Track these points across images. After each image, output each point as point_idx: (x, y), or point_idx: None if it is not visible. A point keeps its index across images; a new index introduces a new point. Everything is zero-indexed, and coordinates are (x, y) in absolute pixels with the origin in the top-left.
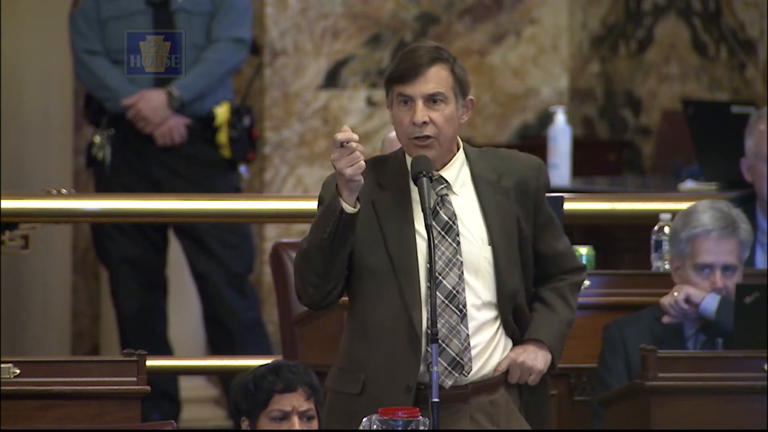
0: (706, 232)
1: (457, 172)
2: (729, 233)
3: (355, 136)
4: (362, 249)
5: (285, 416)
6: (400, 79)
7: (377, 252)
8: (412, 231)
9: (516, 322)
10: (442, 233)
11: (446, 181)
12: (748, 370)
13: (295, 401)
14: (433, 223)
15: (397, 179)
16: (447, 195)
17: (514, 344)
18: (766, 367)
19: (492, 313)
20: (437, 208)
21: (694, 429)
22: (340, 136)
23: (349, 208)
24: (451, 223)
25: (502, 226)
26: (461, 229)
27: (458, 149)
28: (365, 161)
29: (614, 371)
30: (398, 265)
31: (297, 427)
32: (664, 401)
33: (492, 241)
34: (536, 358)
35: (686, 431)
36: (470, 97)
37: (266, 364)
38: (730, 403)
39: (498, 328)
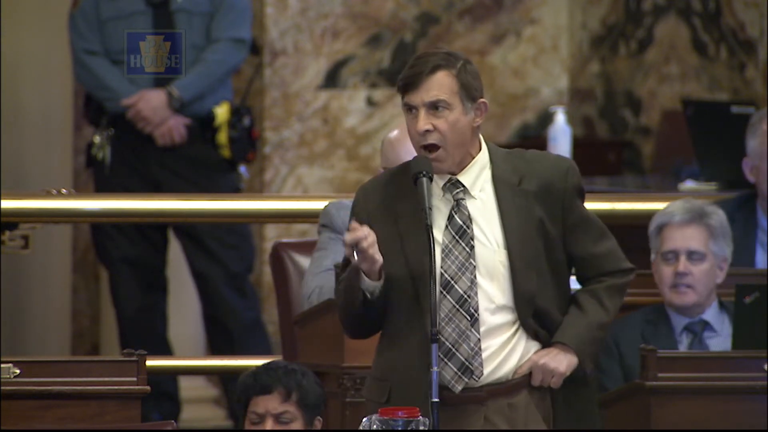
0: (671, 217)
1: (476, 176)
2: (694, 220)
3: (362, 234)
4: (384, 259)
5: (260, 419)
6: (405, 88)
7: (397, 261)
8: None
9: (542, 325)
10: (456, 237)
11: (463, 186)
12: (748, 370)
13: (270, 404)
14: (448, 227)
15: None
16: (463, 199)
17: (544, 348)
18: (766, 367)
19: (508, 317)
20: (452, 212)
21: (694, 429)
22: (348, 239)
23: (371, 287)
24: (465, 227)
25: (520, 230)
26: (476, 232)
27: (479, 152)
28: (395, 167)
29: (610, 374)
30: (415, 273)
31: (268, 428)
32: (664, 401)
33: (507, 245)
34: (559, 360)
35: (686, 431)
36: (482, 100)
37: (261, 365)
38: (730, 403)
39: (515, 331)
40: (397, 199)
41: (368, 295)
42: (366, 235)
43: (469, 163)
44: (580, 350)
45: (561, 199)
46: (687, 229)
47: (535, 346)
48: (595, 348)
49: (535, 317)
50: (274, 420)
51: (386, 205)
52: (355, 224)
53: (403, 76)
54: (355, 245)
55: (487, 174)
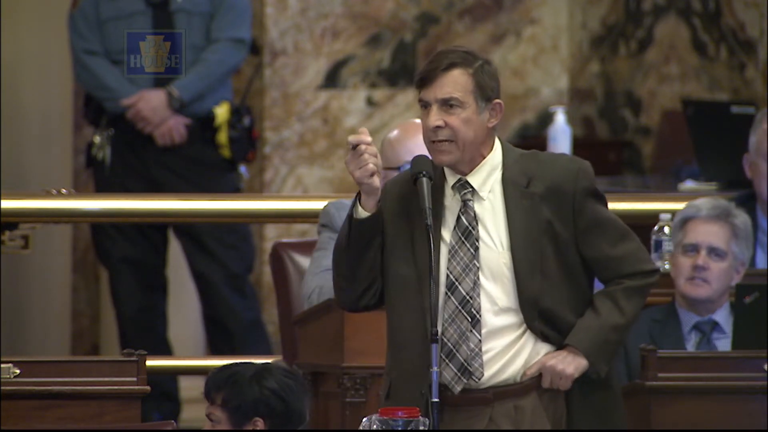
0: (697, 211)
1: (486, 177)
2: (720, 217)
3: (367, 138)
4: (393, 255)
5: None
6: (420, 83)
7: (405, 258)
8: (437, 237)
9: (552, 327)
10: (462, 238)
11: (471, 186)
12: (748, 370)
13: (206, 406)
14: (456, 227)
15: (433, 187)
16: (470, 200)
17: (557, 350)
18: (766, 367)
19: (513, 319)
20: (460, 213)
21: (694, 429)
22: (352, 138)
23: (362, 213)
24: (470, 228)
25: (525, 232)
26: (482, 234)
27: (490, 152)
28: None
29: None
30: (420, 271)
31: (205, 428)
32: (664, 401)
33: (512, 247)
34: (567, 363)
35: (686, 431)
36: (497, 101)
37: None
38: (730, 403)
39: (522, 333)
40: (412, 198)
41: (353, 227)
42: (370, 142)
43: (479, 164)
44: (590, 353)
45: (571, 201)
46: (712, 225)
47: (545, 348)
48: (608, 350)
49: (543, 319)
50: (209, 421)
51: (402, 203)
52: (363, 129)
53: (419, 71)
54: (356, 146)
55: (498, 175)
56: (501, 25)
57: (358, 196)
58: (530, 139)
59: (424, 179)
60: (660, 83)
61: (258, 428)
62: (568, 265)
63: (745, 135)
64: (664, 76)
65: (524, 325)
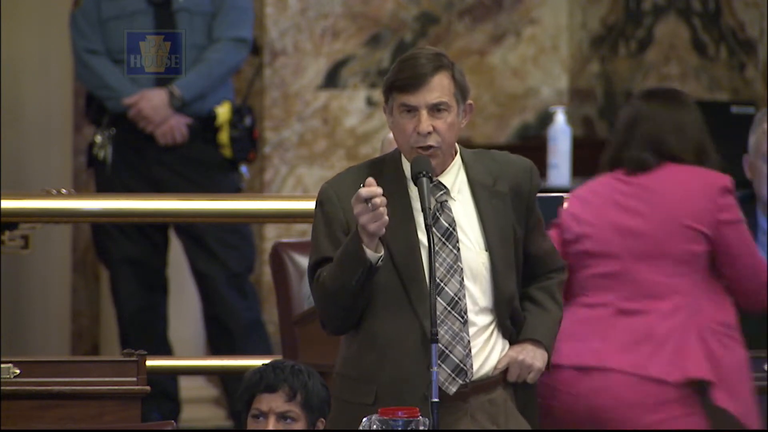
0: None
1: (455, 177)
2: None
3: (379, 190)
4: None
5: (262, 416)
6: (403, 89)
7: (384, 262)
8: (416, 240)
9: (513, 323)
10: (443, 240)
11: (445, 187)
12: None
13: (273, 402)
14: (434, 228)
15: (395, 183)
16: (446, 201)
17: (511, 345)
18: (766, 367)
19: (488, 318)
20: (437, 214)
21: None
22: (364, 192)
23: (374, 257)
24: (451, 229)
25: (499, 231)
26: (460, 235)
27: (455, 154)
28: (363, 164)
29: None
30: (405, 275)
31: (270, 427)
32: None
33: (489, 247)
34: (535, 356)
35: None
36: (469, 101)
37: (266, 363)
38: None
39: (493, 330)
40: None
41: (371, 272)
42: (381, 193)
43: (449, 165)
44: (550, 346)
45: (527, 200)
46: None
47: (507, 344)
48: (554, 344)
49: (510, 316)
50: (276, 418)
51: None
52: (371, 180)
53: (399, 76)
54: (369, 200)
55: (463, 175)
56: (501, 25)
57: (358, 239)
58: (530, 139)
59: (424, 179)
60: (660, 83)
61: (319, 428)
62: (518, 261)
63: (745, 135)
64: (664, 76)
65: (495, 323)
